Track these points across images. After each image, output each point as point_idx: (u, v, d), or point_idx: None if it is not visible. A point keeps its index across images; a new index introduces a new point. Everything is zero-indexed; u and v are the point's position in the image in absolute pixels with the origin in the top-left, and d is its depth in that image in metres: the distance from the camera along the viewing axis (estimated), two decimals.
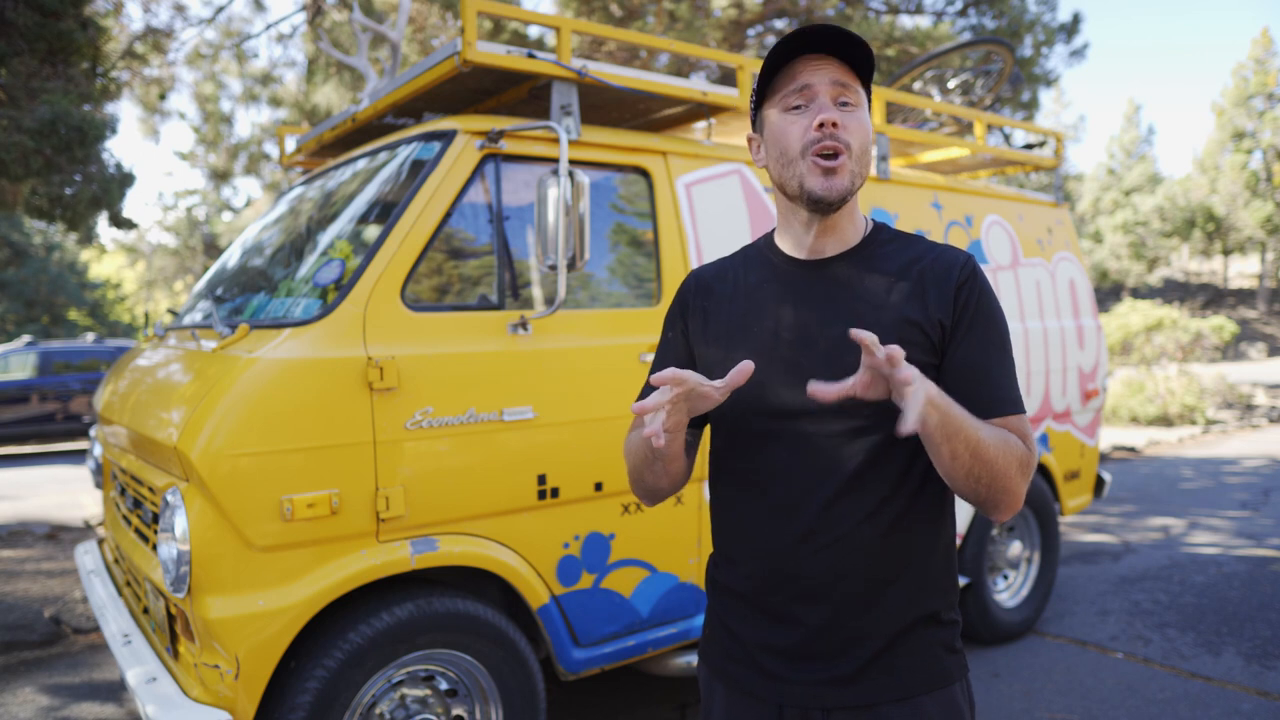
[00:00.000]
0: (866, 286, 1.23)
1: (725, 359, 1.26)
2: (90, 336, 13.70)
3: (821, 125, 1.17)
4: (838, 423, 1.20)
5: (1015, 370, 1.25)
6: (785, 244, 1.31)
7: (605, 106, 2.96)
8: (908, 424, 0.97)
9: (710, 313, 1.33)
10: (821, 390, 1.02)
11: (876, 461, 1.19)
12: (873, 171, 3.52)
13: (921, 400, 1.00)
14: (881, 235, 1.30)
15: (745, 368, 1.06)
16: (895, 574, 1.22)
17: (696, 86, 2.91)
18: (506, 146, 2.51)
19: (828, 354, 1.20)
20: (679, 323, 1.38)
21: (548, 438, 2.46)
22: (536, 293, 2.63)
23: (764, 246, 1.36)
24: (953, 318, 1.20)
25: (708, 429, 1.39)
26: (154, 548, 2.33)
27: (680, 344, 1.37)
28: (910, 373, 0.99)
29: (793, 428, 1.22)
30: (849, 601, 1.21)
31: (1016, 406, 1.21)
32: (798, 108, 1.20)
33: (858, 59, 1.20)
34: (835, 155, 1.18)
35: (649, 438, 1.04)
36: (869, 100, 1.24)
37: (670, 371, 1.06)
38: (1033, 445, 1.20)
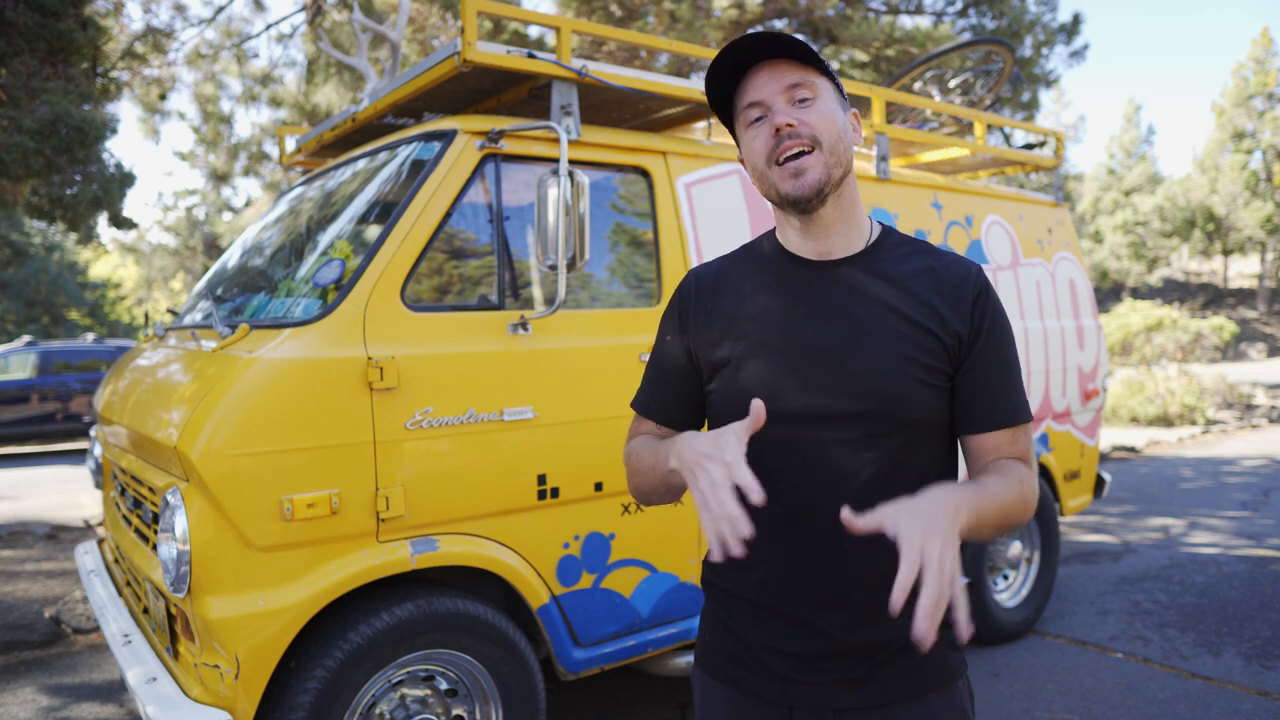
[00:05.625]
0: (878, 291, 1.22)
1: (733, 362, 1.25)
2: (90, 336, 13.69)
3: (778, 130, 1.18)
4: (851, 430, 1.18)
5: (1022, 377, 1.27)
6: (790, 244, 1.30)
7: (605, 106, 2.96)
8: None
9: (714, 313, 1.30)
10: (852, 521, 0.99)
11: (889, 469, 1.18)
12: (873, 171, 3.51)
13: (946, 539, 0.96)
14: (890, 239, 1.29)
15: (759, 412, 1.05)
16: None
17: (696, 86, 2.91)
18: (506, 146, 2.51)
19: (838, 359, 1.19)
20: (676, 325, 1.35)
21: (548, 438, 2.46)
22: (536, 293, 2.63)
23: (768, 245, 1.33)
24: (969, 329, 1.21)
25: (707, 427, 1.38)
26: (154, 548, 2.33)
27: (677, 347, 1.34)
28: (917, 531, 0.95)
29: (804, 434, 1.20)
30: (861, 609, 1.20)
31: (1025, 414, 1.24)
32: (758, 120, 1.21)
33: (805, 51, 1.19)
34: (800, 155, 1.18)
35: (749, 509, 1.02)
36: (837, 83, 1.23)
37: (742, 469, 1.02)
38: (1034, 459, 1.24)
